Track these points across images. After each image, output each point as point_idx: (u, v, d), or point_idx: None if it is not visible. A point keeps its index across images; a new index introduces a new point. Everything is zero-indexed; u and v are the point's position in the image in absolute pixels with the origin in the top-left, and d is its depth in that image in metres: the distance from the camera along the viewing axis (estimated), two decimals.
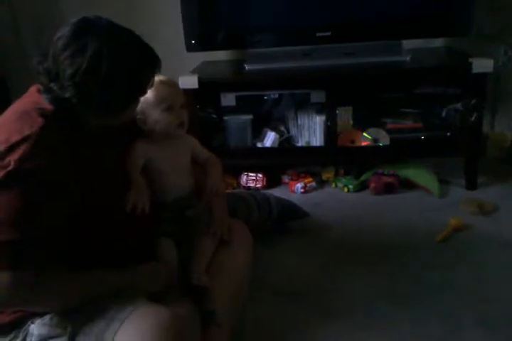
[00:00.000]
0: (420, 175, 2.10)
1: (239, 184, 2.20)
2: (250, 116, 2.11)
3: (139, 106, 1.03)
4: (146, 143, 1.11)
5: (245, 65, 2.10)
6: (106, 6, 2.33)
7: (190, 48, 2.07)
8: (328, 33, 2.02)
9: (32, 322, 0.92)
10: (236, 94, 2.06)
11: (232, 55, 2.40)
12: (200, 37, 2.06)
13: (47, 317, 0.91)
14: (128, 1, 2.37)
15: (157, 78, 1.04)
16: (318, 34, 2.03)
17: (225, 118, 2.11)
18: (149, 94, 1.03)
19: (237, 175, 2.20)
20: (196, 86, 1.98)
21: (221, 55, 2.36)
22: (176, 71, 2.04)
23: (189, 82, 1.97)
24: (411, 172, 2.11)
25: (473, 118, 1.97)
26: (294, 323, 1.33)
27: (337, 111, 2.05)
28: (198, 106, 2.02)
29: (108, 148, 1.02)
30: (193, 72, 2.10)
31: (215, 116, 2.10)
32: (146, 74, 0.96)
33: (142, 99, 1.02)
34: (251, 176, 2.20)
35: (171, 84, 1.11)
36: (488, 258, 1.58)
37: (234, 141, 2.12)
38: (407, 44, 2.12)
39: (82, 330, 0.89)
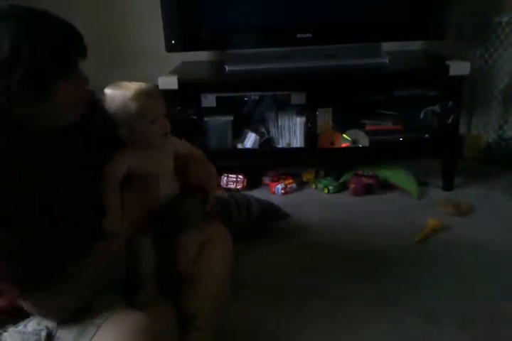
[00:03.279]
0: (399, 176, 2.12)
1: (219, 185, 2.19)
2: (231, 117, 2.10)
3: (122, 118, 0.99)
4: (131, 153, 1.06)
5: (226, 66, 2.10)
6: (84, 5, 2.31)
7: (169, 48, 2.05)
8: (309, 35, 2.03)
9: (5, 330, 0.90)
10: (216, 95, 2.05)
11: (212, 55, 2.39)
12: (180, 37, 2.05)
13: (21, 325, 0.89)
14: (107, 1, 2.34)
15: (140, 87, 1.01)
16: (298, 36, 2.04)
17: (206, 119, 2.10)
18: (134, 105, 0.99)
19: (218, 177, 2.18)
20: (176, 87, 1.96)
21: (201, 56, 2.35)
22: (155, 71, 2.03)
23: (169, 82, 1.95)
24: (390, 174, 2.13)
25: (450, 120, 2.00)
26: (274, 324, 1.33)
27: (317, 113, 2.06)
28: (177, 107, 2.00)
29: (66, 158, 0.94)
30: (173, 72, 2.09)
31: (195, 117, 2.09)
32: (55, 51, 0.85)
33: (125, 110, 0.98)
34: (231, 177, 2.19)
35: (154, 95, 1.06)
36: (465, 258, 1.61)
37: (214, 142, 2.11)
38: (386, 46, 2.14)
39: (57, 337, 0.88)
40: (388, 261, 1.60)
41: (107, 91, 1.02)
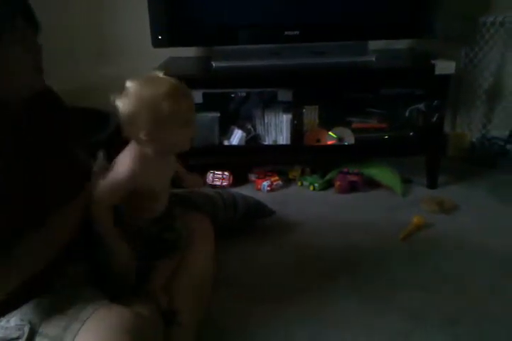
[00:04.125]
0: (384, 174, 2.13)
1: (205, 182, 2.18)
2: (217, 114, 2.09)
3: (145, 120, 0.85)
4: (139, 167, 0.90)
5: (213, 62, 2.09)
6: (72, 1, 2.27)
7: (156, 44, 2.03)
8: (296, 32, 2.03)
9: None
10: (203, 92, 2.04)
11: (199, 51, 2.37)
12: (166, 32, 2.03)
13: (3, 320, 0.88)
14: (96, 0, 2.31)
15: (175, 84, 0.86)
16: (286, 33, 2.03)
17: None
18: (167, 106, 0.83)
19: (203, 174, 2.18)
20: None
21: (188, 52, 2.34)
22: (142, 67, 2.01)
23: None
24: (375, 171, 2.14)
25: (435, 118, 2.02)
26: (259, 322, 1.33)
27: (304, 110, 2.06)
28: None
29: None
30: (159, 68, 2.07)
31: None
32: None
33: (154, 111, 0.83)
34: (217, 174, 2.18)
35: (189, 94, 0.90)
36: (449, 255, 1.63)
37: (200, 139, 2.10)
38: (373, 45, 2.15)
39: (40, 332, 0.87)
40: (373, 259, 1.61)
41: (130, 85, 0.85)
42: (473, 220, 1.85)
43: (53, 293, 0.93)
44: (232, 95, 2.15)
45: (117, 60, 2.36)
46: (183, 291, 1.09)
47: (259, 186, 2.15)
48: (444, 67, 1.95)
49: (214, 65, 2.08)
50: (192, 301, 1.10)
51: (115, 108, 0.87)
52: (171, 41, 2.05)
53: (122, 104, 0.85)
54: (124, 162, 0.91)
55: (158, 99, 0.83)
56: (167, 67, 2.06)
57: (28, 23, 0.87)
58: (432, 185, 2.13)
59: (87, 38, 2.30)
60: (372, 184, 2.14)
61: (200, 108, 2.08)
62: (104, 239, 0.93)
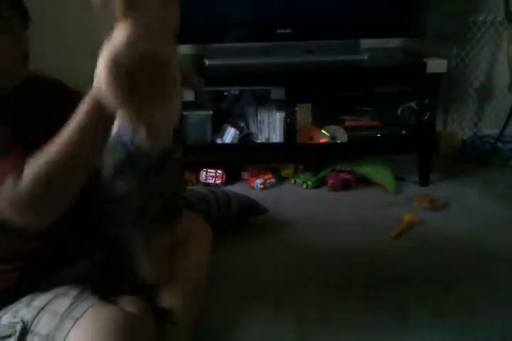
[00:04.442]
0: (376, 171, 2.15)
1: (198, 180, 2.18)
2: (210, 112, 2.09)
3: None
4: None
5: (205, 60, 2.08)
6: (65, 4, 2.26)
7: None
8: (289, 31, 2.04)
9: None
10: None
11: (192, 49, 2.37)
12: None
13: None
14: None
15: None
16: (278, 31, 2.04)
17: (185, 113, 2.08)
18: None
19: (197, 172, 2.18)
20: None
21: (180, 50, 2.33)
22: None
23: None
24: (367, 169, 2.15)
25: (426, 117, 2.04)
26: (253, 320, 1.33)
27: (296, 108, 2.07)
28: None
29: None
30: None
31: None
32: None
33: None
34: (210, 172, 2.18)
35: None
36: (440, 252, 1.64)
37: (193, 137, 2.10)
38: (365, 44, 2.16)
39: (32, 330, 0.86)
40: (365, 256, 1.62)
41: None
42: (464, 217, 1.86)
43: (45, 291, 0.92)
44: (225, 93, 2.15)
45: None
46: (177, 289, 1.08)
47: (252, 184, 2.16)
48: (436, 65, 1.97)
49: (207, 62, 2.08)
50: (187, 299, 1.10)
51: None
52: None
53: None
54: None
55: None
56: None
57: (15, 13, 0.87)
58: (424, 182, 2.15)
59: (80, 36, 2.28)
60: (364, 182, 2.15)
61: (193, 106, 2.08)
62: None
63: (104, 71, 0.70)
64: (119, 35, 0.75)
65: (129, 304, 0.93)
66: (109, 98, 0.71)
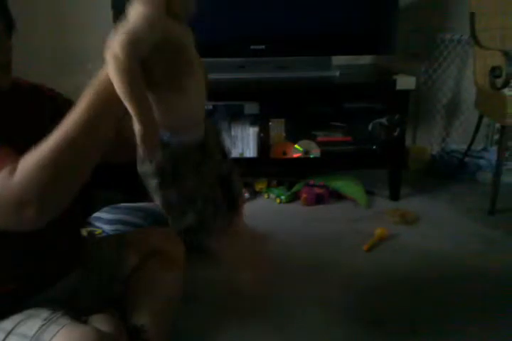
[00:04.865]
0: (348, 186, 2.18)
1: None
2: None
3: None
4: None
5: None
6: (40, 17, 2.24)
7: None
8: (263, 47, 2.06)
9: None
10: None
11: None
12: None
13: None
14: (60, 12, 2.29)
15: None
16: (252, 47, 2.06)
17: None
18: None
19: None
20: None
21: None
22: None
23: None
24: (340, 184, 2.18)
25: (396, 132, 2.08)
26: (228, 336, 1.32)
27: (270, 123, 2.09)
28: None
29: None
30: None
31: None
32: None
33: None
34: None
35: None
36: (411, 265, 1.66)
37: None
38: (337, 60, 2.21)
39: None
40: (338, 270, 1.63)
41: None
42: (433, 231, 1.90)
43: (14, 314, 0.90)
44: None
45: (82, 70, 2.33)
46: (150, 306, 1.07)
47: None
48: (405, 82, 2.02)
49: None
50: (159, 316, 1.08)
51: None
52: None
53: None
54: None
55: None
56: None
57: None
58: (395, 196, 2.19)
59: (52, 48, 2.26)
60: (337, 196, 2.17)
61: None
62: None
63: (119, 53, 0.58)
64: (138, 14, 0.60)
65: (101, 323, 0.92)
66: (119, 86, 0.59)
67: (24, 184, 0.68)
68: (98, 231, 1.50)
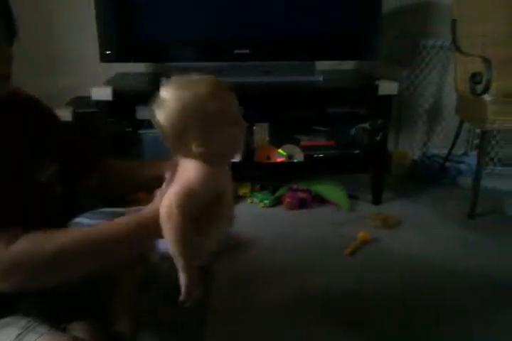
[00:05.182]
0: (331, 190, 2.19)
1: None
2: None
3: (192, 128, 0.74)
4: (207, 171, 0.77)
5: (162, 79, 2.08)
6: (21, 13, 2.21)
7: (104, 59, 2.01)
8: (246, 51, 2.07)
9: None
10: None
11: (149, 67, 2.36)
12: (115, 48, 2.01)
13: None
14: (43, 9, 2.26)
15: (215, 81, 0.77)
16: (236, 51, 2.06)
17: (141, 131, 2.06)
18: (214, 105, 0.74)
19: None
20: (110, 98, 1.92)
21: (138, 68, 2.32)
22: (90, 82, 1.98)
23: (103, 93, 1.91)
24: (323, 188, 2.19)
25: (379, 137, 2.10)
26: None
27: (254, 128, 2.09)
28: (111, 119, 1.96)
29: None
30: (107, 83, 2.04)
31: (130, 129, 2.05)
32: None
33: (200, 114, 0.74)
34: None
35: (229, 89, 0.80)
36: (392, 268, 1.68)
37: (150, 156, 2.08)
38: (320, 65, 2.22)
39: None
40: (320, 273, 1.64)
41: (167, 94, 0.77)
42: (415, 234, 1.92)
43: None
44: None
45: (64, 74, 2.31)
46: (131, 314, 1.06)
47: None
48: (387, 88, 2.04)
49: (164, 81, 2.07)
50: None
51: (156, 125, 0.79)
52: (120, 57, 2.04)
53: (165, 117, 0.76)
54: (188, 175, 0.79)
55: (203, 101, 0.74)
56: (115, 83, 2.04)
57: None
58: (377, 201, 2.20)
59: (35, 51, 2.23)
60: (320, 200, 2.18)
61: (150, 124, 2.06)
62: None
63: (175, 214, 0.72)
64: (195, 172, 0.76)
65: (81, 331, 0.90)
66: (173, 243, 0.72)
67: (15, 263, 0.71)
68: None
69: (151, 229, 0.76)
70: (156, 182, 0.94)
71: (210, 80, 0.78)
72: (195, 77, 0.79)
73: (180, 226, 0.73)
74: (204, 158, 0.77)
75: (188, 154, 0.77)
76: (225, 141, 0.77)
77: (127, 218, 0.79)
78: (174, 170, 0.83)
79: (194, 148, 0.75)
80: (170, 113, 0.75)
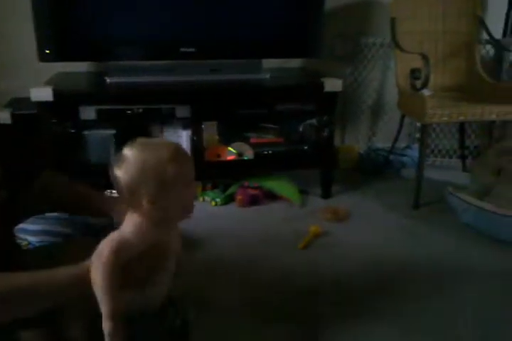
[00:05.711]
0: (282, 186, 2.22)
1: None
2: (113, 131, 2.03)
3: (149, 186, 0.81)
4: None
5: (106, 78, 2.03)
6: None
7: (43, 58, 1.93)
8: (192, 49, 2.05)
9: None
10: (96, 108, 1.97)
11: (92, 66, 2.30)
12: (54, 47, 1.94)
13: None
14: None
15: (175, 146, 0.85)
16: (182, 49, 2.04)
17: (85, 132, 2.00)
18: (173, 168, 0.82)
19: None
20: (51, 98, 1.85)
21: (80, 67, 2.25)
22: (30, 82, 1.90)
23: (43, 94, 1.84)
24: (273, 184, 2.22)
25: (325, 133, 2.15)
26: None
27: (203, 126, 2.08)
28: (53, 120, 1.89)
29: None
30: (48, 83, 1.97)
31: (73, 130, 1.99)
32: None
33: (159, 176, 0.81)
34: (115, 194, 2.11)
35: (188, 154, 0.89)
36: (345, 261, 1.72)
37: (95, 157, 2.02)
38: (267, 63, 2.24)
39: None
40: (274, 269, 1.66)
41: (129, 153, 0.83)
42: (363, 226, 1.98)
43: None
44: (128, 111, 2.10)
45: (3, 75, 2.21)
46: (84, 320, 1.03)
47: None
48: (332, 85, 2.09)
49: (108, 80, 2.02)
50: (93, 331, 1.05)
51: (114, 179, 0.84)
52: (60, 56, 1.97)
53: (124, 173, 0.82)
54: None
55: (162, 164, 0.81)
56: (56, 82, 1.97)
57: None
58: (326, 195, 2.25)
59: None
60: (271, 196, 2.20)
61: (94, 125, 2.01)
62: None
63: (107, 261, 0.78)
64: (131, 224, 0.84)
65: (33, 339, 0.88)
66: (100, 284, 0.78)
67: None
68: (24, 243, 1.44)
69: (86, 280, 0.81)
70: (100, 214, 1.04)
71: (173, 145, 0.86)
72: (159, 140, 0.95)
73: (108, 274, 0.78)
74: (150, 215, 0.84)
75: (138, 209, 0.84)
76: (177, 201, 0.85)
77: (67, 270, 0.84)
78: (121, 216, 0.90)
79: (144, 203, 0.82)
80: (130, 170, 0.81)
